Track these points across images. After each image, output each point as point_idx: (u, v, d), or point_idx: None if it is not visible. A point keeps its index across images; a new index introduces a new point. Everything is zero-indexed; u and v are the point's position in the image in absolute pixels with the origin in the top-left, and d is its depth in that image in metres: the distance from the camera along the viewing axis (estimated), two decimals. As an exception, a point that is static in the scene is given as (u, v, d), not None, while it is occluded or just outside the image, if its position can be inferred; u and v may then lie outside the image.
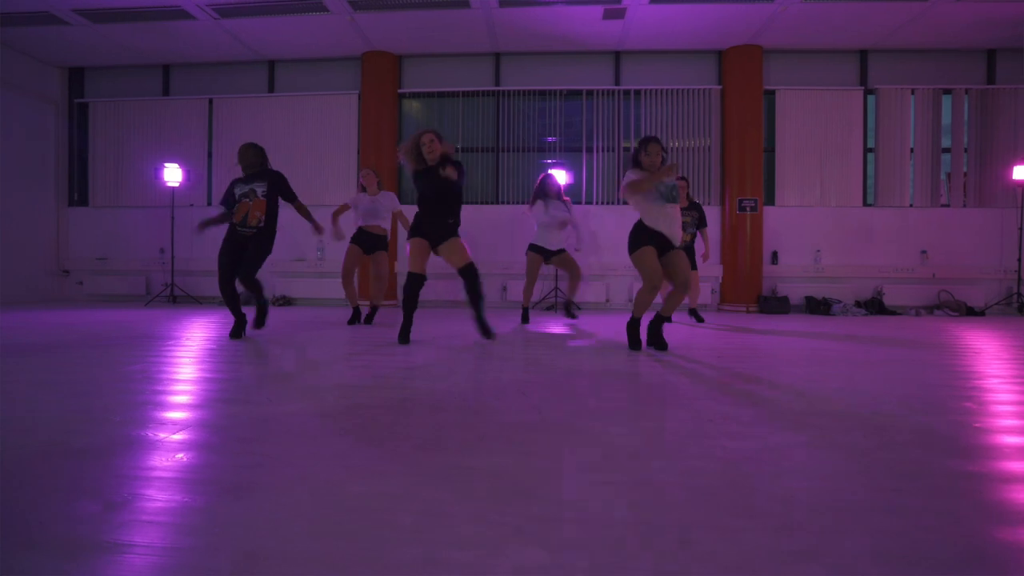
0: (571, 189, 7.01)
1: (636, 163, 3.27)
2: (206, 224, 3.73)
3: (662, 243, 3.21)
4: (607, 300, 7.15)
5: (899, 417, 1.71)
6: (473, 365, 2.66)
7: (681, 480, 1.14)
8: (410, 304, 3.46)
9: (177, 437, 1.41)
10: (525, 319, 5.03)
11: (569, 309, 4.98)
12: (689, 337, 4.00)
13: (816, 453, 1.34)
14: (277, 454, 1.29)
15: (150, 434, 1.43)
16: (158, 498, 1.02)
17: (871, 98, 7.07)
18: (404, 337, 3.42)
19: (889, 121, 6.98)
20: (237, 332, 3.67)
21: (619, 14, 6.15)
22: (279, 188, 3.74)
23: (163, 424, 1.53)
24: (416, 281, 3.43)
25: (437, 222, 3.43)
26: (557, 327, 4.68)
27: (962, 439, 1.48)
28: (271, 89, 7.57)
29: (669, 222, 3.19)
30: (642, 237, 3.22)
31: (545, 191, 4.86)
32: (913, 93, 6.96)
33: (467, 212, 7.16)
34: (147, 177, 7.56)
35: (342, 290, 7.30)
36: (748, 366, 2.70)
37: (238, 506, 0.99)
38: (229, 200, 3.72)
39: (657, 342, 3.23)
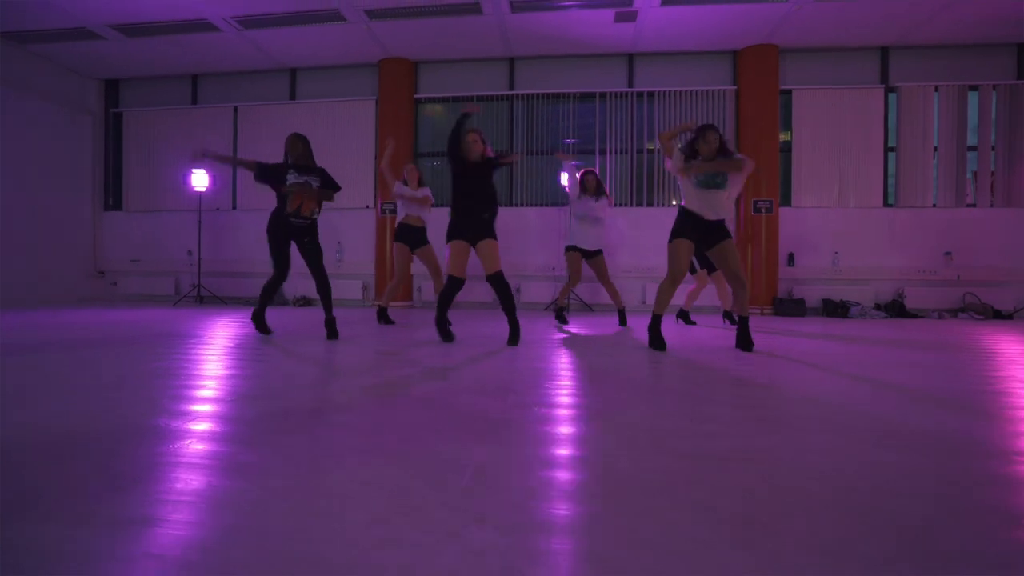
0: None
1: (692, 152, 3.27)
2: (212, 156, 3.70)
3: (704, 233, 3.23)
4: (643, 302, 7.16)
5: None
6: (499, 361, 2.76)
7: (642, 470, 1.21)
8: (445, 306, 3.49)
9: (200, 427, 1.54)
10: (562, 319, 5.02)
11: (623, 318, 4.95)
12: (703, 338, 4.01)
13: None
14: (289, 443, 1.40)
15: (169, 423, 1.57)
16: (181, 479, 1.14)
17: (892, 96, 6.91)
18: (446, 334, 3.46)
19: (912, 119, 6.82)
20: (264, 328, 3.78)
21: (630, 17, 6.17)
22: (328, 184, 3.80)
23: (182, 415, 1.67)
24: (456, 285, 3.42)
25: (474, 219, 3.44)
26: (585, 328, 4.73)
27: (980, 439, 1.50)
28: (293, 96, 7.83)
29: (706, 206, 3.20)
30: (683, 226, 3.23)
31: (583, 186, 4.96)
32: (937, 90, 6.78)
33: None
34: (176, 182, 7.91)
35: (361, 292, 7.53)
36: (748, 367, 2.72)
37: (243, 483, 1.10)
38: (270, 176, 3.68)
39: (745, 342, 3.24)
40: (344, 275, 7.59)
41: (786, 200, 7.04)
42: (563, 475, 1.21)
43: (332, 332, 3.66)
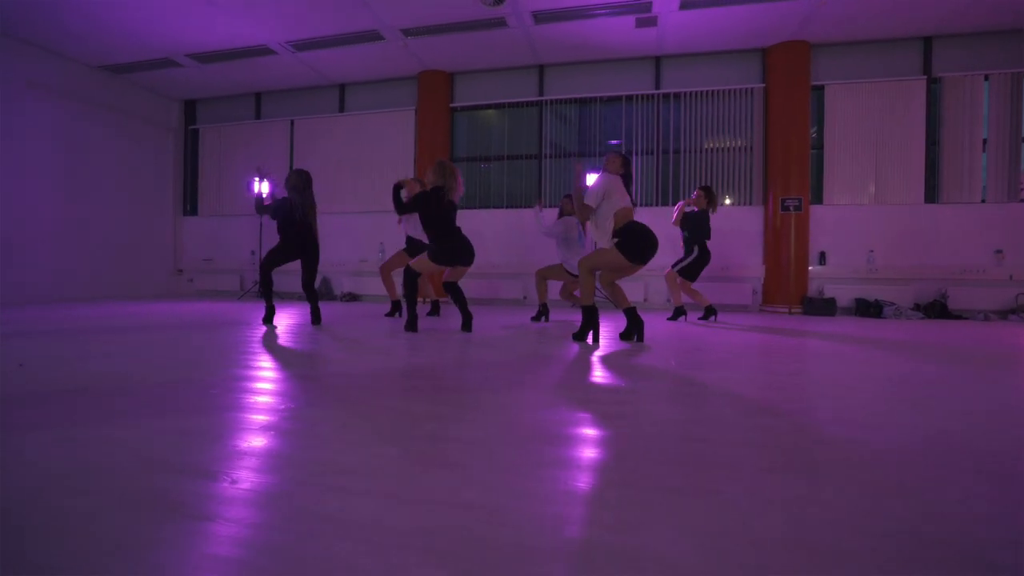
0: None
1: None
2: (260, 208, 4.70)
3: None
4: (645, 299, 7.31)
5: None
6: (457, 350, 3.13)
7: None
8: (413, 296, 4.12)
9: (264, 390, 2.02)
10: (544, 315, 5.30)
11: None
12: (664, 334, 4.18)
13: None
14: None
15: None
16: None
17: (935, 88, 6.61)
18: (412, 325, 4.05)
19: (957, 111, 6.50)
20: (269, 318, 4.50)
21: (651, 22, 6.32)
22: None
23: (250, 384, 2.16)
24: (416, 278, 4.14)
25: (462, 247, 4.13)
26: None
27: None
28: (341, 109, 8.55)
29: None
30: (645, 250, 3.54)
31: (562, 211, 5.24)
32: (987, 79, 6.43)
33: (510, 216, 7.71)
34: (242, 189, 8.85)
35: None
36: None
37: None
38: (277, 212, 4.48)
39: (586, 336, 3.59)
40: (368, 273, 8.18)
41: (817, 198, 6.90)
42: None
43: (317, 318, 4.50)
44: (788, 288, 6.76)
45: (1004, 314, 6.25)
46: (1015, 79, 6.35)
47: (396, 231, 8.17)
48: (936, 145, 6.64)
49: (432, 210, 4.01)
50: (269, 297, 4.52)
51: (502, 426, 1.55)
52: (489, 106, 7.94)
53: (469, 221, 7.90)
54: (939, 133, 6.60)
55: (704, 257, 5.29)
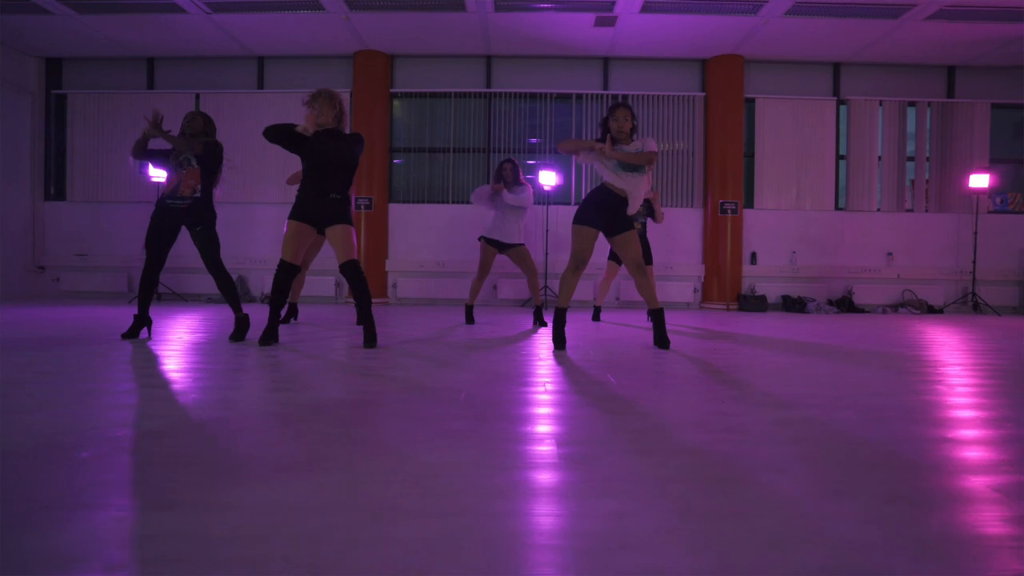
0: (561, 190, 7.20)
1: (604, 128, 3.09)
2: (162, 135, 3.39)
3: (612, 220, 3.08)
4: (618, 298, 7.36)
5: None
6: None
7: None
8: (280, 298, 3.03)
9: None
10: (469, 318, 4.65)
11: (539, 316, 4.47)
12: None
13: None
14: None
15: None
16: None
17: (843, 108, 7.49)
18: (270, 337, 3.02)
19: (859, 130, 7.41)
20: (134, 332, 3.21)
21: (610, 22, 6.36)
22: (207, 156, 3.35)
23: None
24: (289, 272, 2.99)
25: (322, 199, 3.02)
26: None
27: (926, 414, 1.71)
28: (261, 85, 7.52)
29: (628, 186, 3.03)
30: (588, 211, 3.05)
31: (500, 177, 4.41)
32: (881, 104, 7.41)
33: (457, 212, 7.35)
34: (130, 171, 7.40)
35: (335, 288, 7.34)
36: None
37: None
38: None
39: (662, 340, 3.11)
40: (316, 272, 7.37)
41: (749, 202, 7.47)
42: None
43: (240, 332, 3.23)
44: (725, 286, 7.23)
45: (895, 307, 7.26)
46: (901, 106, 7.40)
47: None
48: (844, 158, 7.52)
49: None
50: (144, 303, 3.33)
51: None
52: (434, 94, 7.48)
53: (412, 215, 7.41)
54: (847, 148, 7.48)
55: None
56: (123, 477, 1.10)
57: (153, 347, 2.98)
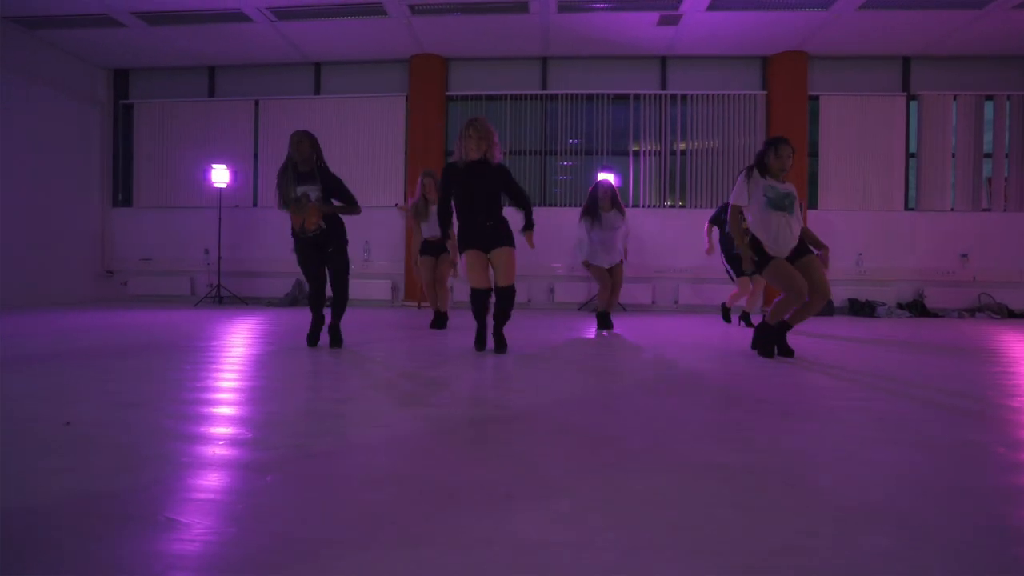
0: (618, 192, 7.08)
1: (761, 166, 3.06)
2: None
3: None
4: (652, 302, 7.24)
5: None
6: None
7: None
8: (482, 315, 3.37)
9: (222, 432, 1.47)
10: (603, 324, 4.61)
11: (605, 321, 4.57)
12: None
13: None
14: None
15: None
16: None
17: (913, 104, 7.18)
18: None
19: (931, 126, 7.09)
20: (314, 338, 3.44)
21: (674, 20, 6.23)
22: (334, 193, 3.38)
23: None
24: (479, 296, 3.32)
25: (481, 226, 3.28)
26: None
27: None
28: (317, 91, 7.61)
29: (775, 232, 3.01)
30: (764, 254, 3.07)
31: (595, 206, 4.51)
32: (956, 99, 7.07)
33: (512, 214, 7.28)
34: (193, 178, 7.59)
35: (391, 292, 7.41)
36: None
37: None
38: (279, 189, 3.36)
39: (785, 348, 3.17)
40: (372, 275, 7.43)
41: (813, 203, 7.23)
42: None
43: (335, 339, 3.40)
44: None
45: (972, 312, 6.92)
46: (978, 100, 7.05)
47: (390, 225, 7.42)
48: (914, 156, 7.21)
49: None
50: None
51: None
52: (490, 97, 7.45)
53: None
54: (917, 145, 7.16)
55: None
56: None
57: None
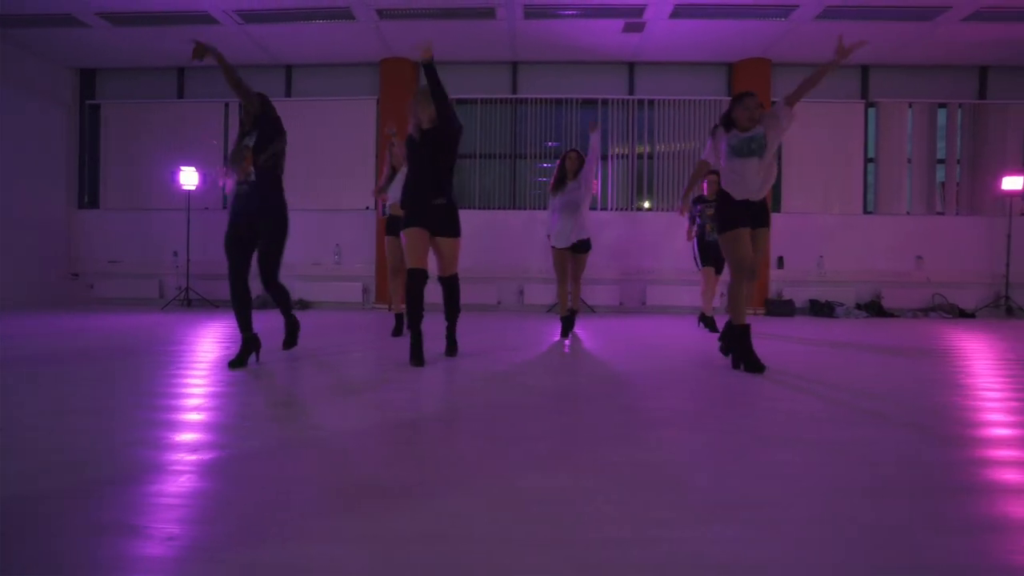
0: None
1: (728, 122, 2.90)
2: (214, 53, 2.87)
3: (751, 215, 2.85)
4: (620, 303, 7.38)
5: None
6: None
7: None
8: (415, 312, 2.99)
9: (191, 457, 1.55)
10: (566, 330, 4.27)
11: (568, 327, 4.30)
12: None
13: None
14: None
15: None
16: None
17: (871, 111, 7.42)
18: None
19: (888, 132, 7.34)
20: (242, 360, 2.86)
21: (639, 28, 6.36)
22: (266, 135, 2.96)
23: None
24: (419, 279, 2.99)
25: (430, 204, 3.04)
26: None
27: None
28: (288, 93, 7.61)
29: (744, 180, 2.81)
30: (732, 213, 2.84)
31: (563, 177, 4.22)
32: (911, 106, 7.33)
33: (484, 217, 7.38)
34: (161, 180, 7.53)
35: (362, 295, 7.42)
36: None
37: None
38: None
39: (752, 362, 2.81)
40: (343, 277, 7.46)
41: (776, 206, 7.42)
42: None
43: (289, 339, 3.10)
44: (752, 291, 7.18)
45: (926, 311, 7.18)
46: (931, 108, 7.31)
47: (360, 227, 7.44)
48: (872, 161, 7.44)
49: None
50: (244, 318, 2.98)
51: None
52: (460, 100, 7.52)
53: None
54: (875, 151, 7.40)
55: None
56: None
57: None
